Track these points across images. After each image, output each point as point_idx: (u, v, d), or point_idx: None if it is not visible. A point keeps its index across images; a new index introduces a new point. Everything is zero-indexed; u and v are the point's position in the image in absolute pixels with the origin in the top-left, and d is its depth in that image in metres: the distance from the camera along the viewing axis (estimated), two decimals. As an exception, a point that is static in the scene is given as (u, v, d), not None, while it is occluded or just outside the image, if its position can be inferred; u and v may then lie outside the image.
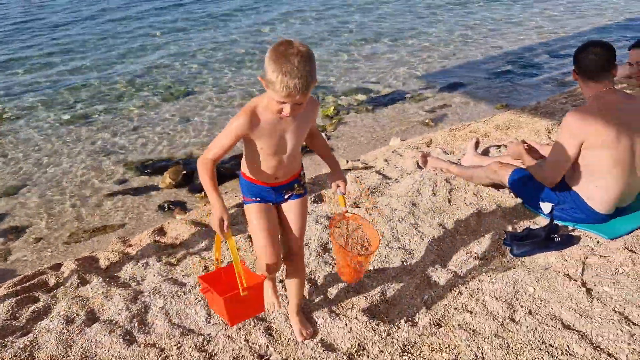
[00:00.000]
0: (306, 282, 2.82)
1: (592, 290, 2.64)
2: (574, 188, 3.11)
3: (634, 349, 2.26)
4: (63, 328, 2.60)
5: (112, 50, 9.55)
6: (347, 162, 4.62)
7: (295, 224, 2.33)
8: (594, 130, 2.89)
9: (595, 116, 2.92)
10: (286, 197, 2.29)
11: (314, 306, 2.66)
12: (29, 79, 7.91)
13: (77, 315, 2.72)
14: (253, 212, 2.24)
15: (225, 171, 4.99)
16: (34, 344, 2.52)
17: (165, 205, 4.56)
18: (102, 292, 2.90)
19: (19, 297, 2.97)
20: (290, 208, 2.31)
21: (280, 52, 1.82)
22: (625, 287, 2.64)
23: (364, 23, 10.47)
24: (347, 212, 2.29)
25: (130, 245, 3.59)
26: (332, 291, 2.76)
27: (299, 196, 2.31)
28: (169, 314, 2.68)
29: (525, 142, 3.50)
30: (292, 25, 10.69)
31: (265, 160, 2.12)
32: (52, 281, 3.16)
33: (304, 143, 2.24)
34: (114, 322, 2.64)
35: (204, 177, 2.05)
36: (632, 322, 2.41)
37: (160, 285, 2.92)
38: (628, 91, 4.47)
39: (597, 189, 3.00)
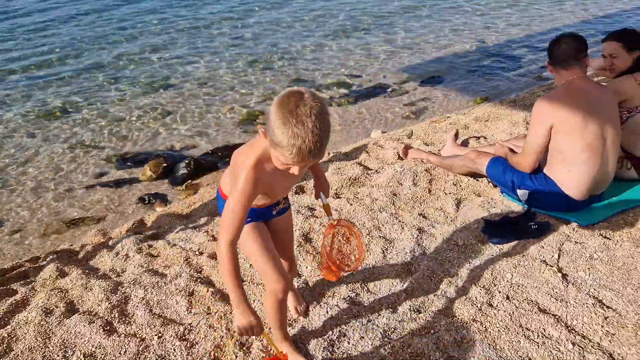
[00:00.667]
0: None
1: (567, 275, 2.70)
2: (549, 174, 3.18)
3: (607, 330, 2.32)
4: (42, 319, 2.58)
5: (91, 43, 9.42)
6: (329, 153, 4.63)
7: (286, 236, 2.33)
8: (562, 115, 2.98)
9: (562, 101, 3.01)
10: (274, 212, 2.19)
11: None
12: (2, 71, 7.76)
13: (56, 306, 2.69)
14: (247, 233, 2.02)
15: (206, 164, 4.97)
16: (11, 336, 2.49)
17: (146, 197, 4.52)
18: (82, 284, 2.88)
19: (-4, 289, 2.93)
20: (278, 221, 2.24)
21: (289, 110, 1.53)
22: (599, 272, 2.70)
23: (346, 15, 10.48)
24: (335, 220, 2.23)
25: (110, 238, 3.55)
26: (313, 279, 2.78)
27: (285, 209, 2.26)
28: (149, 304, 2.67)
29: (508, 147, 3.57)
30: (273, 14, 10.65)
31: (260, 197, 2.00)
32: (30, 273, 3.12)
33: None
34: (93, 313, 2.62)
35: (224, 270, 1.78)
36: (606, 306, 2.47)
37: (140, 277, 2.90)
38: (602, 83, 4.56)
39: (569, 173, 3.07)
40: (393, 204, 3.45)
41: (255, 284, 2.78)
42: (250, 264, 2.84)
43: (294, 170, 1.66)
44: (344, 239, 2.33)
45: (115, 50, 8.91)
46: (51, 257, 3.28)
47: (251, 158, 1.79)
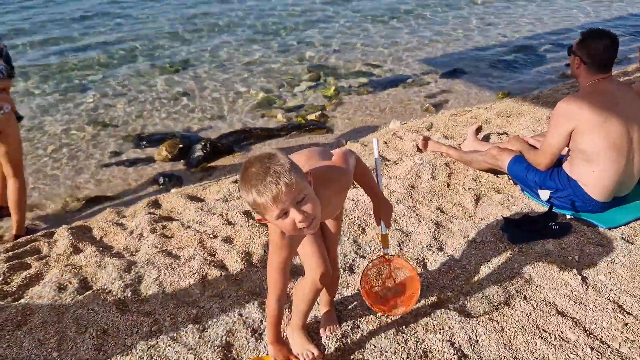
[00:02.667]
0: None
1: (587, 278, 2.64)
2: (572, 175, 3.11)
3: (627, 337, 2.26)
4: (55, 295, 2.58)
5: (110, 21, 9.41)
6: (346, 142, 4.58)
7: (332, 235, 2.19)
8: (585, 115, 2.90)
9: (586, 101, 2.93)
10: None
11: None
12: (22, 49, 7.79)
13: (70, 282, 2.70)
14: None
15: (222, 147, 4.95)
16: (25, 309, 2.50)
17: (161, 178, 4.52)
18: (95, 261, 2.88)
19: (10, 263, 2.94)
20: (328, 222, 2.15)
21: (243, 171, 1.58)
22: (620, 276, 2.64)
23: (368, 4, 10.35)
24: (390, 256, 2.17)
25: (124, 217, 3.55)
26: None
27: None
28: (163, 285, 2.67)
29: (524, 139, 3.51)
30: (298, 2, 10.54)
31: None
32: (44, 248, 3.13)
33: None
34: (107, 290, 2.62)
35: (270, 317, 2.02)
36: (626, 312, 2.41)
37: (154, 257, 2.90)
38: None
39: (593, 174, 3.00)
40: (411, 197, 3.40)
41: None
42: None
43: (297, 218, 1.57)
44: (392, 277, 2.26)
45: (138, 30, 8.89)
46: (66, 232, 3.28)
47: (276, 232, 1.82)
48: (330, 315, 2.40)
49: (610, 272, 2.67)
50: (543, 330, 2.32)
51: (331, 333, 2.31)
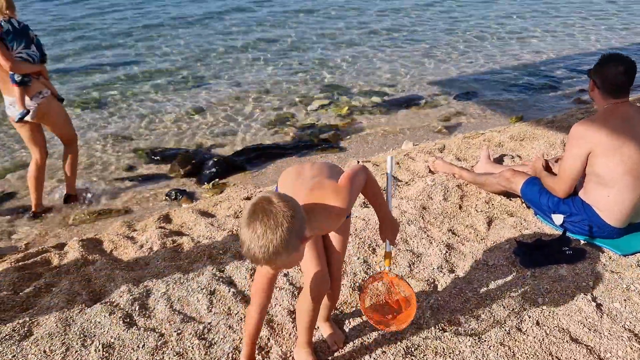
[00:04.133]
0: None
1: (602, 305, 2.58)
2: (586, 199, 3.06)
3: (643, 367, 2.20)
4: (63, 306, 2.58)
5: (128, 36, 9.59)
6: (358, 162, 4.58)
7: (338, 248, 2.14)
8: (601, 139, 2.87)
9: (601, 125, 2.90)
10: None
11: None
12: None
13: (79, 294, 2.69)
14: None
15: (234, 164, 4.97)
16: (33, 320, 2.49)
17: (173, 193, 4.53)
18: (105, 274, 2.88)
19: (20, 273, 2.95)
20: (335, 232, 2.11)
21: (246, 216, 1.57)
22: (636, 304, 2.58)
23: (383, 25, 10.45)
24: (389, 271, 2.15)
25: (135, 230, 3.56)
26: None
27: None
28: (170, 299, 2.65)
29: (545, 159, 3.46)
30: (312, 22, 10.67)
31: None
32: (55, 260, 3.14)
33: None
34: (114, 303, 2.61)
35: (248, 327, 2.03)
36: (642, 341, 2.35)
37: (163, 271, 2.89)
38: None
39: (608, 199, 2.95)
40: (422, 218, 3.37)
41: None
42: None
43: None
44: (390, 295, 2.24)
45: (155, 48, 9.04)
46: (77, 244, 3.30)
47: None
48: (332, 327, 2.38)
49: (625, 300, 2.61)
50: (556, 357, 2.26)
51: (337, 344, 2.31)
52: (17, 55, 3.63)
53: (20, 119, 3.74)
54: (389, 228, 2.09)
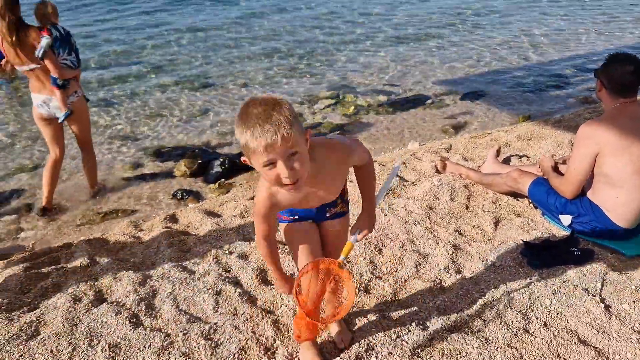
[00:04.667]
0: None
1: (610, 307, 2.56)
2: (594, 200, 3.04)
3: (652, 369, 2.18)
4: (70, 306, 2.59)
5: (137, 37, 9.62)
6: (364, 162, 4.56)
7: (336, 246, 2.10)
8: (609, 139, 2.84)
9: (609, 125, 2.87)
10: (328, 215, 2.08)
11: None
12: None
13: (85, 294, 2.70)
14: (291, 232, 2.05)
15: (240, 164, 4.96)
16: (40, 320, 2.51)
17: (179, 193, 4.54)
18: (111, 274, 2.88)
19: (28, 272, 2.96)
20: (331, 227, 2.11)
21: (242, 111, 1.57)
22: (645, 306, 2.56)
23: (389, 25, 10.43)
24: (342, 263, 1.92)
25: (141, 230, 3.57)
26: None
27: (341, 214, 2.12)
28: (176, 300, 2.66)
29: (554, 160, 3.44)
30: (320, 23, 10.66)
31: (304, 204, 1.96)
32: (62, 259, 3.15)
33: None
34: (121, 303, 2.62)
35: (263, 256, 2.05)
36: (652, 343, 2.33)
37: (169, 271, 2.90)
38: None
39: (617, 199, 2.92)
40: (429, 218, 3.36)
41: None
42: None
43: (283, 172, 1.56)
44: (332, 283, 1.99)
45: (163, 48, 9.07)
46: (83, 244, 3.31)
47: (263, 187, 1.82)
48: (340, 325, 2.36)
49: (634, 301, 2.59)
50: (564, 359, 2.24)
51: (344, 342, 2.30)
52: (62, 61, 3.83)
53: (64, 119, 3.96)
54: (366, 221, 2.03)
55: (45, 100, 3.90)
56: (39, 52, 3.65)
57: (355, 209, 3.14)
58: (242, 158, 1.68)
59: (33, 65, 3.75)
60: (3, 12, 3.54)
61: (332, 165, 1.83)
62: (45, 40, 3.65)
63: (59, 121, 3.97)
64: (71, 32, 4.00)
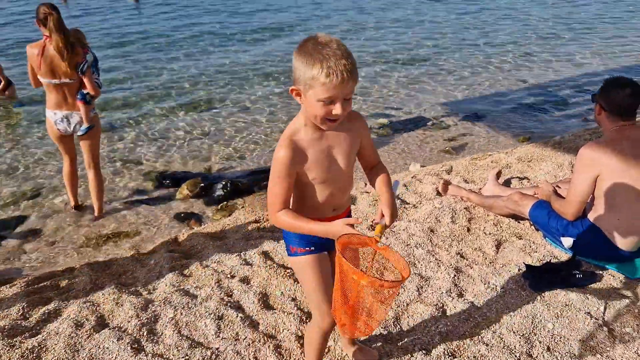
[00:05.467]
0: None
1: (614, 330, 2.55)
2: (596, 222, 3.04)
3: (657, 395, 2.16)
4: (72, 332, 2.59)
5: (137, 61, 9.74)
6: (365, 184, 4.59)
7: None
8: (611, 162, 2.86)
9: (610, 147, 2.89)
10: None
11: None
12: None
13: (87, 320, 2.70)
14: (308, 265, 1.93)
15: (242, 186, 4.99)
16: (42, 345, 2.50)
17: (181, 215, 4.55)
18: (113, 299, 2.89)
19: (30, 297, 2.97)
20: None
21: (311, 45, 1.60)
22: (648, 329, 2.55)
23: (389, 47, 10.55)
24: (378, 241, 1.74)
25: (144, 254, 3.58)
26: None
27: None
28: (178, 325, 2.65)
29: (552, 185, 3.46)
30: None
31: (320, 192, 1.83)
32: (64, 284, 3.15)
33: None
34: (123, 329, 2.61)
35: (289, 225, 1.78)
36: (656, 367, 2.31)
37: (171, 296, 2.90)
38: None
39: (618, 222, 2.93)
40: (430, 241, 3.37)
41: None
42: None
43: (337, 109, 1.61)
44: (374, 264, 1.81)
45: (165, 70, 9.17)
46: (85, 268, 3.32)
47: (283, 135, 1.78)
48: (360, 349, 2.35)
49: (638, 325, 2.58)
50: (568, 384, 2.23)
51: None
52: (95, 79, 4.08)
53: (85, 133, 4.14)
54: (389, 208, 1.80)
55: (67, 116, 4.08)
56: (83, 66, 3.93)
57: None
58: (293, 89, 1.69)
59: (66, 80, 3.95)
60: (60, 26, 3.83)
61: (351, 125, 1.83)
62: (90, 57, 3.98)
63: (79, 134, 4.15)
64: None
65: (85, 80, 3.96)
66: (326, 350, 2.35)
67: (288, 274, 3.04)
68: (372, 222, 2.38)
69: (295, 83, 1.67)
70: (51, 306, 2.85)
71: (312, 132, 1.76)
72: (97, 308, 2.82)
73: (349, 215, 2.03)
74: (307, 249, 1.92)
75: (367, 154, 1.94)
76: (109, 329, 2.61)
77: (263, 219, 3.96)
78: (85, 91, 3.99)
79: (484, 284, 2.93)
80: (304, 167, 1.77)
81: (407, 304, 2.78)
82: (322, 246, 1.94)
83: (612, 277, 2.97)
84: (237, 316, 2.68)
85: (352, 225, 1.66)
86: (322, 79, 1.56)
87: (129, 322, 2.66)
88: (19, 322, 2.71)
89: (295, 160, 1.74)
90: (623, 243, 2.97)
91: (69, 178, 4.51)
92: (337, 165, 1.83)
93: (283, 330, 2.60)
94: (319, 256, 1.93)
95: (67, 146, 4.31)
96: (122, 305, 2.82)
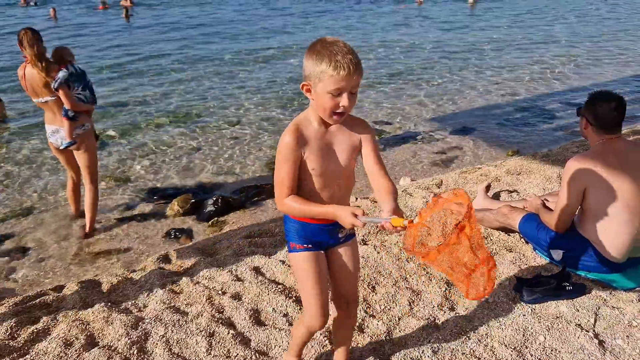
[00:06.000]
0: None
1: (604, 342, 2.56)
2: (584, 234, 3.07)
3: (648, 406, 2.17)
4: (61, 351, 2.55)
5: (127, 77, 9.75)
6: (356, 199, 4.60)
7: (352, 270, 2.11)
8: (597, 175, 2.89)
9: (597, 160, 2.93)
10: (340, 235, 2.06)
11: (316, 343, 2.59)
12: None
13: (77, 338, 2.67)
14: (304, 262, 2.01)
15: (233, 202, 4.98)
16: (30, 366, 2.47)
17: (172, 232, 4.53)
18: (103, 317, 2.86)
19: (18, 317, 2.92)
20: (344, 252, 2.10)
21: (320, 45, 1.76)
22: (638, 340, 2.56)
23: (378, 62, 10.65)
24: (411, 220, 1.79)
25: (134, 271, 3.55)
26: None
27: (351, 237, 2.11)
28: (169, 342, 2.63)
29: (540, 198, 3.49)
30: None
31: (319, 185, 1.91)
32: (53, 303, 3.12)
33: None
34: (113, 348, 2.59)
35: (297, 210, 1.88)
36: (646, 378, 2.32)
37: (162, 313, 2.87)
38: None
39: (606, 233, 2.96)
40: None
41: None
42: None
43: (343, 101, 1.75)
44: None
45: (154, 86, 9.19)
46: (75, 286, 3.28)
47: (289, 125, 1.90)
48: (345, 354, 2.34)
49: (628, 336, 2.60)
50: (560, 397, 2.23)
51: None
52: (76, 94, 4.14)
53: (66, 148, 4.24)
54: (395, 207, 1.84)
55: (55, 131, 4.24)
56: (54, 84, 4.00)
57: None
58: (304, 83, 1.82)
59: (48, 98, 4.10)
60: (32, 42, 3.95)
61: (355, 127, 1.96)
62: (62, 74, 4.02)
63: (61, 147, 4.26)
64: (86, 72, 4.34)
65: (60, 95, 4.04)
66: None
67: (279, 290, 3.03)
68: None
69: (306, 79, 1.81)
70: (40, 325, 2.82)
71: (318, 125, 1.89)
72: (87, 326, 2.79)
73: (352, 231, 2.10)
74: (305, 245, 2.01)
75: (370, 162, 1.98)
76: (99, 348, 2.58)
77: (254, 234, 3.95)
78: (67, 107, 4.08)
79: (475, 297, 2.93)
80: (305, 155, 1.87)
81: (399, 318, 2.78)
82: (319, 245, 2.03)
83: (601, 289, 2.99)
84: (228, 333, 2.67)
85: (355, 215, 1.75)
86: (331, 71, 1.71)
87: (119, 340, 2.64)
88: (6, 342, 2.67)
89: (299, 148, 1.85)
90: (612, 254, 3.00)
91: (70, 195, 4.71)
92: (336, 161, 1.93)
93: (275, 347, 2.58)
94: (316, 254, 2.02)
95: (67, 160, 4.44)
96: (112, 324, 2.79)
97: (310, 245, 2.01)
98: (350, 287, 2.15)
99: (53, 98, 4.09)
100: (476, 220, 1.74)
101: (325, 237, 2.02)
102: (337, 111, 1.78)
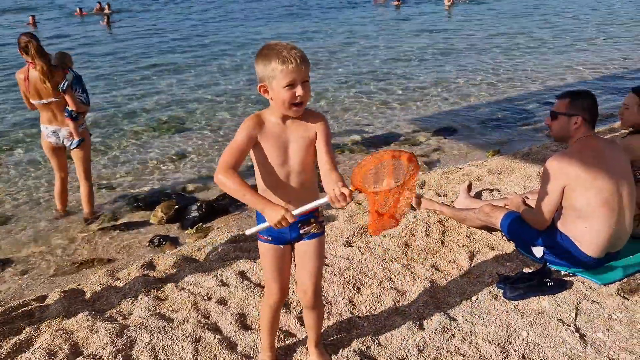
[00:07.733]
0: (296, 321, 2.78)
1: (585, 336, 2.61)
2: (564, 231, 3.13)
3: (628, 397, 2.22)
4: (45, 362, 2.52)
5: (109, 84, 9.67)
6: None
7: (312, 268, 2.20)
8: (576, 173, 2.95)
9: (575, 158, 2.98)
10: (302, 232, 2.15)
11: (304, 345, 2.60)
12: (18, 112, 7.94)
13: (60, 348, 2.64)
14: (265, 251, 2.22)
15: (218, 207, 4.97)
16: (13, 377, 2.43)
17: (156, 239, 4.50)
18: (87, 326, 2.83)
19: (1, 328, 2.88)
20: (306, 249, 2.18)
21: (266, 48, 1.92)
22: (618, 333, 2.62)
23: (360, 64, 10.71)
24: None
25: (118, 279, 3.52)
26: (323, 330, 2.71)
27: (316, 235, 2.17)
28: (155, 349, 2.61)
29: (521, 197, 3.55)
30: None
31: (275, 174, 2.02)
32: (36, 313, 3.08)
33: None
34: (97, 356, 2.56)
35: (228, 187, 1.87)
36: (627, 370, 2.37)
37: (147, 320, 2.85)
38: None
39: (586, 230, 3.02)
40: (405, 255, 3.41)
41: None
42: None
43: (298, 91, 1.89)
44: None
45: (136, 92, 9.13)
46: (58, 296, 3.25)
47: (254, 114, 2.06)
48: (321, 354, 2.45)
49: (608, 330, 2.65)
50: (543, 391, 2.27)
51: None
52: (78, 96, 4.45)
53: (77, 146, 4.53)
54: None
55: (55, 131, 4.49)
56: (63, 86, 4.29)
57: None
58: (260, 85, 1.96)
59: (52, 99, 4.35)
60: (41, 51, 4.25)
61: (310, 119, 2.04)
62: (70, 76, 4.35)
63: (72, 147, 4.53)
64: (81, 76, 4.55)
65: (66, 97, 4.34)
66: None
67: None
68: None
69: (261, 81, 1.95)
70: (22, 336, 2.78)
71: (277, 119, 2.01)
72: (71, 336, 2.76)
73: (312, 215, 2.15)
74: (266, 237, 2.17)
75: (321, 154, 2.03)
76: (83, 357, 2.55)
77: (239, 239, 3.95)
78: (69, 108, 4.37)
79: (459, 296, 2.97)
80: (262, 143, 2.00)
81: (384, 319, 2.80)
82: (279, 240, 2.17)
83: (582, 284, 3.05)
84: (214, 338, 2.66)
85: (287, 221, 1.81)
86: (280, 66, 1.86)
87: (104, 349, 2.61)
88: (-12, 354, 2.64)
89: (256, 130, 1.99)
90: (591, 250, 3.06)
91: (59, 196, 4.88)
92: (293, 152, 2.02)
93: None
94: (274, 247, 2.18)
95: (59, 160, 4.67)
96: (96, 332, 2.76)
97: (270, 238, 2.17)
98: (308, 279, 2.23)
99: (57, 99, 4.35)
100: (418, 169, 1.96)
101: (285, 231, 2.11)
102: (295, 102, 1.92)
